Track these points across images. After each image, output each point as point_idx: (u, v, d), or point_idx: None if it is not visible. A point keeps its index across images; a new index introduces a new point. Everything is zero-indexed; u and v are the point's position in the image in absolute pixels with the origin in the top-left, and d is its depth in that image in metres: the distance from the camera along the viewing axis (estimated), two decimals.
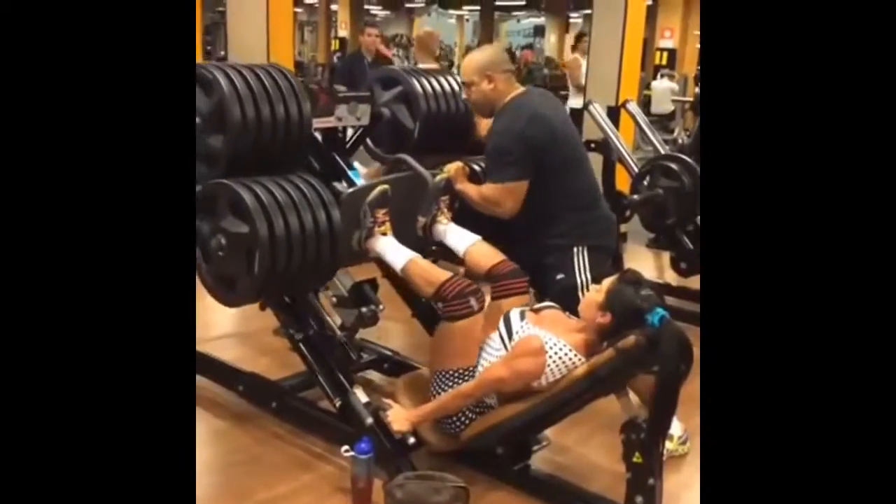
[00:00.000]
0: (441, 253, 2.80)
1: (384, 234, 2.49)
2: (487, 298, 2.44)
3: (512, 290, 2.44)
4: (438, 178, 2.66)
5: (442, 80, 3.06)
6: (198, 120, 2.34)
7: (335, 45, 17.98)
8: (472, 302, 2.28)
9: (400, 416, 2.29)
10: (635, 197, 4.00)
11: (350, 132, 3.00)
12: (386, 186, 2.51)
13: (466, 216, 2.72)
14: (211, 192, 2.31)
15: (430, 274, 2.38)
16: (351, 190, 2.52)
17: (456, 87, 3.07)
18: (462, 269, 2.61)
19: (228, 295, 2.40)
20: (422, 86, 2.95)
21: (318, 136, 2.75)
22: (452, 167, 2.74)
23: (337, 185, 2.59)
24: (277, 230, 2.23)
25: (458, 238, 2.61)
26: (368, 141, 2.99)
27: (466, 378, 2.28)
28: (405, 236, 2.56)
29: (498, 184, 2.62)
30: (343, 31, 19.41)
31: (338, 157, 2.76)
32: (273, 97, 2.40)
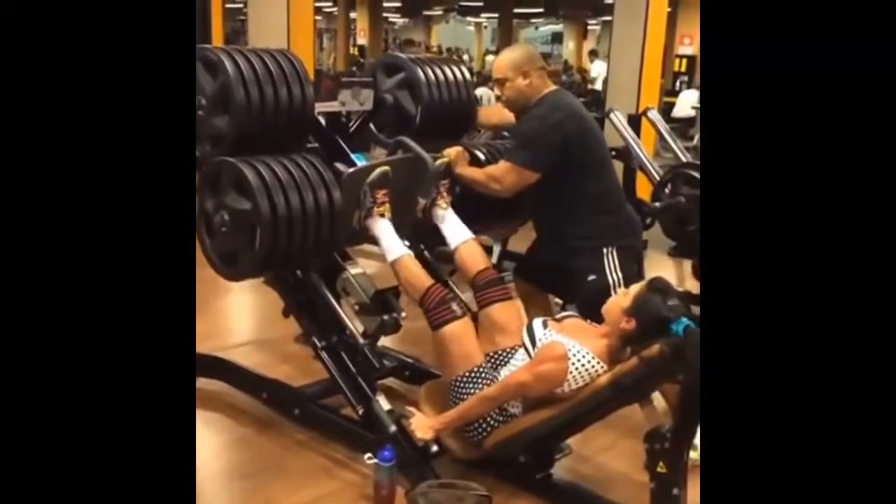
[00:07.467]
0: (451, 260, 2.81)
1: (382, 215, 2.53)
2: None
3: (493, 298, 2.49)
4: (439, 161, 2.69)
5: (445, 68, 3.08)
6: (203, 101, 2.39)
7: (354, 51, 18.04)
8: (454, 307, 2.36)
9: (423, 424, 2.29)
10: (657, 204, 4.00)
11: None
12: (387, 168, 2.54)
13: (467, 202, 2.74)
14: (215, 169, 2.35)
15: (416, 278, 2.45)
16: (352, 170, 2.56)
17: (459, 76, 3.09)
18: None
19: (231, 270, 2.43)
20: (424, 73, 2.97)
21: (322, 119, 2.79)
22: (452, 151, 2.76)
23: (339, 165, 2.63)
24: (279, 207, 2.27)
25: (453, 231, 2.65)
26: (371, 125, 3.03)
27: (477, 381, 2.30)
28: (405, 218, 2.60)
29: (510, 163, 2.64)
30: (362, 39, 19.49)
31: (340, 141, 2.80)
32: (277, 80, 2.43)
